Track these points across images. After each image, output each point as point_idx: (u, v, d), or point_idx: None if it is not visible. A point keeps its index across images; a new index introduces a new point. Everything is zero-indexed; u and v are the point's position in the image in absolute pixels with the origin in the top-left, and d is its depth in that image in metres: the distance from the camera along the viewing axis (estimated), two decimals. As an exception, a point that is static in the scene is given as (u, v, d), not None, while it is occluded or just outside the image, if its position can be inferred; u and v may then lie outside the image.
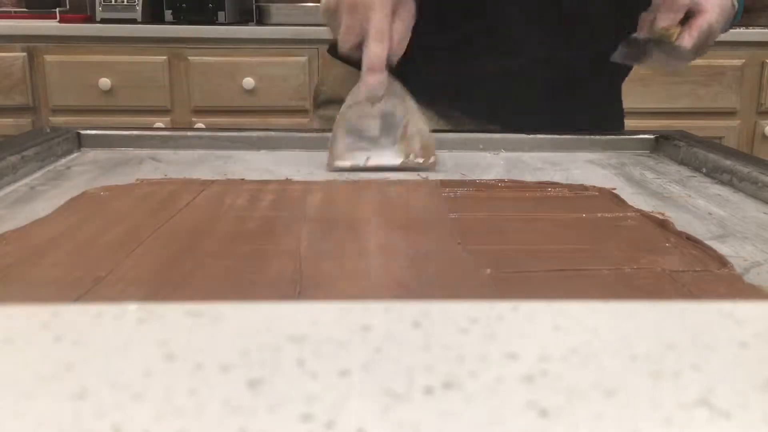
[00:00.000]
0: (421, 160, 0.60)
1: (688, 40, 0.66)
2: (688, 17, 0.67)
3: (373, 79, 0.55)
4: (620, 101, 0.88)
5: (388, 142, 0.59)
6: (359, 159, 0.60)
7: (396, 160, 0.59)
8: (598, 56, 0.74)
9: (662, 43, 0.67)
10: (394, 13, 0.56)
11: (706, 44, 0.69)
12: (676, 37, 0.66)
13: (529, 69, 0.75)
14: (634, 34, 0.69)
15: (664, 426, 0.18)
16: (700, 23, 0.66)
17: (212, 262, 0.39)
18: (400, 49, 0.56)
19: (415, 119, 0.60)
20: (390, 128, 0.60)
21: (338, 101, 0.81)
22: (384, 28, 0.54)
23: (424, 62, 0.71)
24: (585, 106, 0.80)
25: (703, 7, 0.66)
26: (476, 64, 0.76)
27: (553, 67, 0.75)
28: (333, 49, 0.85)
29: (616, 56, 0.70)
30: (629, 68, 0.83)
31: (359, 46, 0.57)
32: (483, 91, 0.77)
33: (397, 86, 0.59)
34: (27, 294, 0.35)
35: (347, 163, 0.60)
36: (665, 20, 0.66)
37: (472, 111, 0.78)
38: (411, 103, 0.60)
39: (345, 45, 0.57)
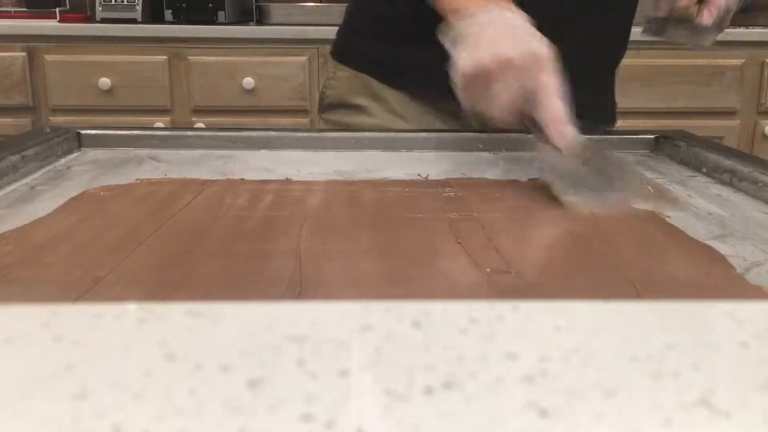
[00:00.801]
0: (663, 202, 0.53)
1: (707, 17, 0.67)
2: None
3: (567, 130, 0.54)
4: (613, 93, 0.88)
5: (608, 188, 0.55)
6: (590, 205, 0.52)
7: (630, 201, 0.53)
8: (593, 40, 0.73)
9: (683, 21, 0.68)
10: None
11: (726, 20, 0.69)
12: (695, 15, 0.67)
13: None
14: (653, 13, 0.69)
15: (664, 426, 0.18)
16: (719, 1, 0.67)
17: (212, 262, 0.39)
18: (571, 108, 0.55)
19: (623, 165, 0.60)
20: (607, 177, 0.56)
21: (344, 105, 0.81)
22: (557, 87, 0.54)
23: (423, 49, 0.71)
24: (578, 95, 0.80)
25: None
26: None
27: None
28: (338, 52, 0.85)
29: (644, 30, 0.71)
30: (621, 55, 0.84)
31: (520, 110, 0.55)
32: None
33: (587, 140, 0.57)
34: (27, 294, 0.35)
35: (578, 198, 0.52)
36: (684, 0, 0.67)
37: None
38: (595, 146, 0.58)
39: (506, 109, 0.55)
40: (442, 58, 0.76)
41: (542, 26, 0.73)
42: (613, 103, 0.88)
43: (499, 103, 0.54)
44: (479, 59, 0.54)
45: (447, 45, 0.58)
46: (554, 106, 0.53)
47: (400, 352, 0.21)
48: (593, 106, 0.83)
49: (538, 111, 0.54)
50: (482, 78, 0.54)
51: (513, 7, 0.59)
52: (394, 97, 0.79)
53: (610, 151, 0.58)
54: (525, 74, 0.53)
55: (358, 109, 0.80)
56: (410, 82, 0.78)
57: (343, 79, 0.82)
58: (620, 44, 0.83)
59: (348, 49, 0.84)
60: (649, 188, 0.56)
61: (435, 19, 0.75)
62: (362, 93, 0.80)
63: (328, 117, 0.84)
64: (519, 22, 0.57)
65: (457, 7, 0.60)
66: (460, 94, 0.56)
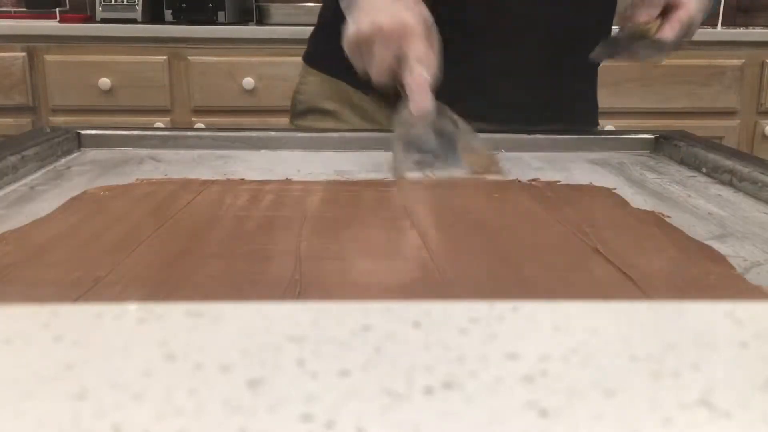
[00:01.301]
0: (490, 173, 0.60)
1: (669, 32, 0.66)
2: (666, 11, 0.67)
3: (422, 97, 0.56)
4: (595, 93, 0.87)
5: (450, 156, 0.60)
6: (426, 171, 0.59)
7: (463, 171, 0.59)
8: (570, 36, 0.74)
9: (642, 38, 0.67)
10: (428, 40, 0.57)
11: (687, 36, 0.69)
12: (655, 31, 0.66)
13: (508, 58, 0.75)
14: (614, 34, 0.70)
15: (664, 426, 0.18)
16: (681, 16, 0.66)
17: (212, 262, 0.39)
18: (438, 77, 0.57)
19: (468, 134, 0.61)
20: (447, 144, 0.60)
21: (316, 110, 0.81)
22: (424, 53, 0.56)
23: None
24: (559, 96, 0.79)
25: (682, 0, 0.66)
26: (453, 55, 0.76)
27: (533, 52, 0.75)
28: (309, 57, 0.85)
29: (594, 55, 0.70)
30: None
31: (394, 75, 0.58)
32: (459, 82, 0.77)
33: (442, 106, 0.59)
34: (27, 294, 0.35)
35: (416, 175, 0.58)
36: (644, 16, 0.67)
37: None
38: (460, 121, 0.60)
39: (379, 72, 0.58)
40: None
41: (517, 21, 0.73)
42: (595, 104, 0.87)
43: (376, 66, 0.57)
44: (358, 26, 0.58)
45: (345, 12, 0.62)
46: (415, 73, 0.56)
47: (400, 352, 0.21)
48: (572, 105, 0.83)
49: (404, 76, 0.57)
50: (363, 44, 0.58)
51: None
52: (365, 101, 0.78)
53: (457, 118, 0.60)
54: (394, 41, 0.56)
55: (329, 114, 0.80)
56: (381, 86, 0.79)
57: (314, 84, 0.82)
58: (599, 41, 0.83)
59: (319, 54, 0.85)
60: (487, 156, 0.60)
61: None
62: (333, 98, 0.80)
63: (300, 123, 0.85)
64: None
65: None
66: (350, 59, 0.61)
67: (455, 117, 0.60)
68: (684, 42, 0.70)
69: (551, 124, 0.77)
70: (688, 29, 0.68)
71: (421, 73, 0.56)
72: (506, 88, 0.76)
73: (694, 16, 0.67)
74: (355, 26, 0.58)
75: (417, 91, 0.56)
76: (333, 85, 0.80)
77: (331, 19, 0.84)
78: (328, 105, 0.80)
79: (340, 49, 0.81)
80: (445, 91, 0.75)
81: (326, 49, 0.83)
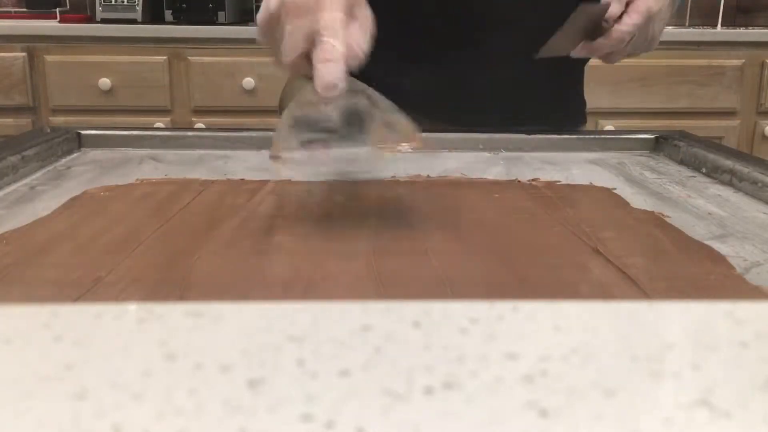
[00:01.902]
0: (400, 145, 0.48)
1: (627, 22, 0.65)
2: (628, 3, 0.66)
3: (329, 71, 0.46)
4: (582, 89, 0.87)
5: (355, 134, 0.49)
6: (315, 151, 0.48)
7: (367, 150, 0.48)
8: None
9: (597, 29, 0.66)
10: (349, 15, 0.49)
11: (646, 35, 0.68)
12: (611, 24, 0.66)
13: (495, 58, 0.75)
14: (565, 25, 0.68)
15: (664, 426, 0.18)
16: (639, 6, 0.66)
17: (212, 262, 0.39)
18: (360, 54, 0.48)
19: (388, 111, 0.50)
20: (354, 122, 0.49)
21: None
22: (337, 25, 0.48)
23: (385, 66, 0.72)
24: (543, 90, 0.79)
25: None
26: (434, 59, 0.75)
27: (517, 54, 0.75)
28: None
29: (544, 51, 0.68)
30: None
31: (307, 55, 0.49)
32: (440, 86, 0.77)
33: (357, 82, 0.50)
34: (27, 294, 0.35)
35: (300, 155, 0.48)
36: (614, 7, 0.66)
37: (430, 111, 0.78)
38: (380, 99, 0.50)
39: (290, 53, 0.49)
40: (403, 72, 0.77)
41: (501, 14, 0.73)
42: (582, 101, 0.87)
43: (286, 46, 0.49)
44: (267, 5, 0.51)
45: None
46: (321, 45, 0.47)
47: (400, 352, 0.21)
48: (559, 101, 0.83)
49: (314, 52, 0.48)
50: (272, 24, 0.50)
51: None
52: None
53: (378, 96, 0.51)
54: (303, 15, 0.48)
55: None
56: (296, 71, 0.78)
57: (294, 87, 0.82)
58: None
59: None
60: (406, 132, 0.48)
61: (396, 34, 0.75)
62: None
63: None
64: None
65: None
66: (262, 45, 0.53)
67: (374, 94, 0.51)
68: (645, 45, 0.69)
69: (534, 123, 0.77)
70: (647, 21, 0.67)
71: (331, 45, 0.47)
72: (486, 87, 0.76)
73: (653, 8, 0.66)
74: (264, 6, 0.51)
75: (324, 65, 0.47)
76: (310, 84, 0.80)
77: None
78: None
79: None
80: (427, 91, 0.76)
81: None
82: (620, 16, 0.66)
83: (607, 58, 0.70)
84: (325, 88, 0.45)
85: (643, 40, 0.69)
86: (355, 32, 0.49)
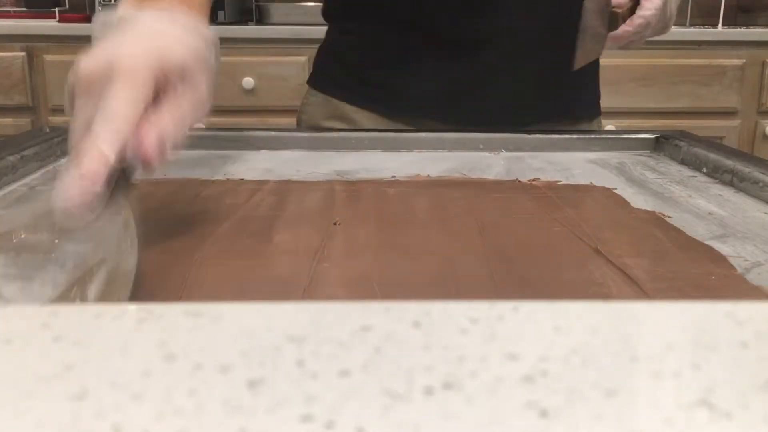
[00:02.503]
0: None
1: (648, 6, 0.67)
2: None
3: (75, 187, 0.34)
4: (597, 81, 0.87)
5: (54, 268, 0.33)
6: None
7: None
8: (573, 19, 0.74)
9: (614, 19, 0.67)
10: (165, 90, 0.39)
11: (665, 15, 0.69)
12: (625, 9, 0.67)
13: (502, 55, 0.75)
14: (582, 28, 0.68)
15: (664, 426, 0.18)
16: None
17: (213, 262, 0.39)
18: (152, 156, 0.39)
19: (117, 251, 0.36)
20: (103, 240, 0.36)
21: (318, 130, 0.82)
22: (120, 109, 0.36)
23: (392, 72, 0.72)
24: (561, 80, 0.79)
25: None
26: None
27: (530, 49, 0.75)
28: (311, 79, 0.86)
29: (579, 61, 0.69)
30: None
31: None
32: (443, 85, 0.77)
33: (121, 199, 0.39)
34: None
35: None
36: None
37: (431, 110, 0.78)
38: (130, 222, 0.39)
39: (73, 138, 0.38)
40: (411, 81, 0.77)
41: (519, 10, 0.73)
42: (597, 93, 0.87)
43: (72, 126, 0.39)
44: (76, 66, 0.39)
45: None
46: (89, 152, 0.35)
47: (400, 352, 0.21)
48: (576, 92, 0.83)
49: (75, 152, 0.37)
50: (73, 93, 0.40)
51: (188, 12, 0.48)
52: (366, 119, 0.80)
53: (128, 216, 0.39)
54: (95, 92, 0.38)
55: (331, 131, 0.82)
56: (380, 105, 0.79)
57: (316, 104, 0.84)
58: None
59: (318, 76, 0.86)
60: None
61: (404, 43, 0.76)
62: (333, 117, 0.82)
63: None
64: (161, 26, 0.42)
65: None
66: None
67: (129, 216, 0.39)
68: (666, 21, 0.70)
69: (552, 117, 0.77)
70: (664, 9, 0.68)
71: (96, 152, 0.35)
72: (500, 86, 0.76)
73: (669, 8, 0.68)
74: (77, 65, 0.39)
75: (73, 180, 0.35)
76: (333, 105, 0.81)
77: (329, 42, 0.85)
78: (329, 123, 0.82)
79: (337, 70, 0.82)
80: (442, 93, 0.76)
81: (325, 71, 0.85)
82: (637, 1, 0.67)
83: (628, 45, 0.70)
84: (66, 208, 0.34)
85: (661, 21, 0.69)
86: (163, 119, 0.39)
